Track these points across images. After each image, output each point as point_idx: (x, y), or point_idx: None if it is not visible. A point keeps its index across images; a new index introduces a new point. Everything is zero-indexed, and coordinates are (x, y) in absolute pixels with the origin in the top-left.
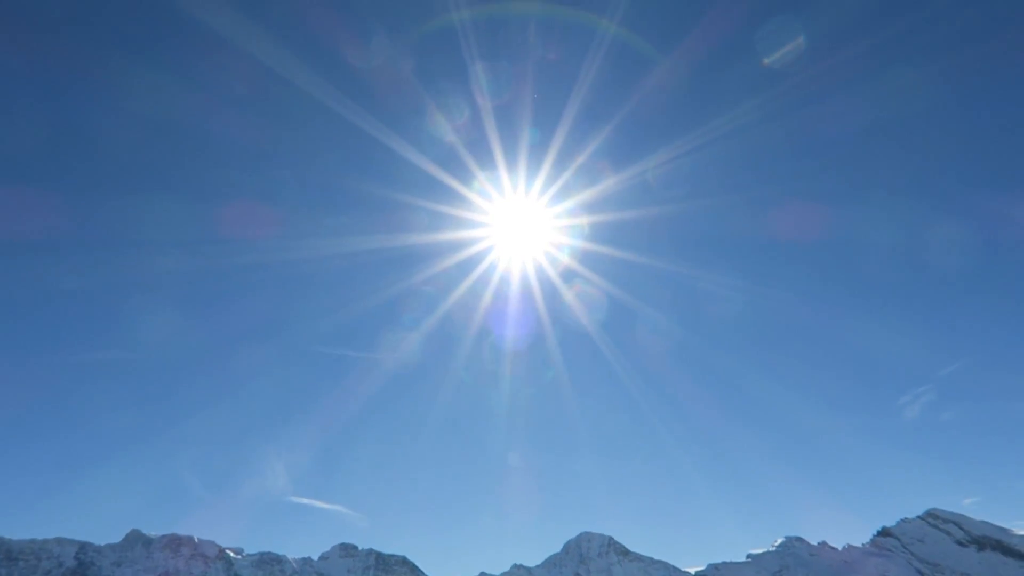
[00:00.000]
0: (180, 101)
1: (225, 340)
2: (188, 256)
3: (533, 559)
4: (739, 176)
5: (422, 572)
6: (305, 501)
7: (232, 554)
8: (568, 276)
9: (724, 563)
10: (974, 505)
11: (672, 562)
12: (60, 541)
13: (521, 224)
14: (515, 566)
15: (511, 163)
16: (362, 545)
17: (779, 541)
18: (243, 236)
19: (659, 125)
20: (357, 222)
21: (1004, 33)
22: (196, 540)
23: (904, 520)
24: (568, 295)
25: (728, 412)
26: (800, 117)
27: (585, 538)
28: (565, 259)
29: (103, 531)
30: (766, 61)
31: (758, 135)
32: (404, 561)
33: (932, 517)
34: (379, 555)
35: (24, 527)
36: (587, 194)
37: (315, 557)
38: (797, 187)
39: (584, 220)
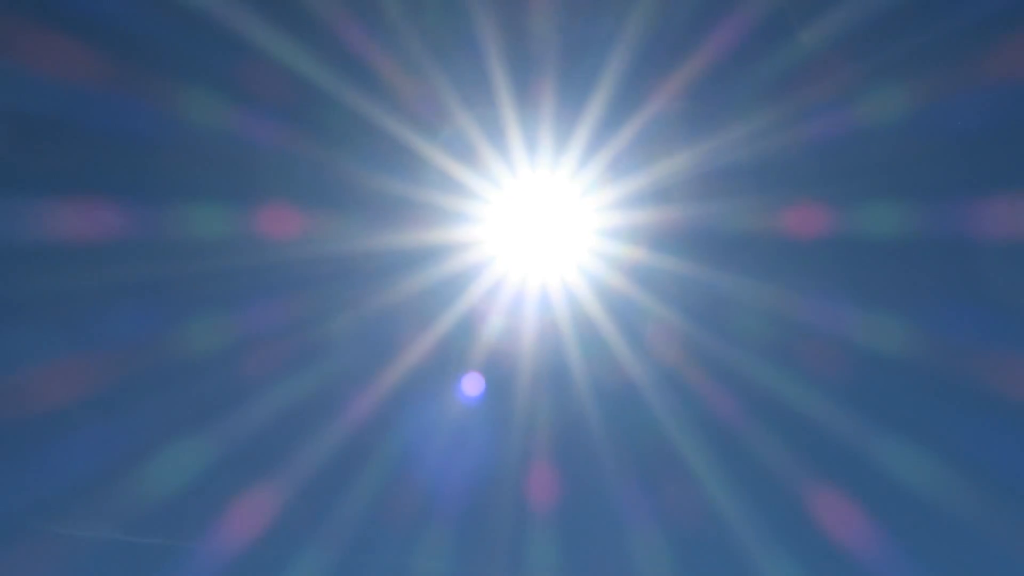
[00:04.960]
0: (209, 107)
1: None
2: None
3: None
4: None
5: None
6: None
7: None
8: (618, 302)
9: None
10: None
11: None
12: None
13: (540, 221)
14: None
15: (527, 132)
16: None
17: None
18: None
19: (697, 112)
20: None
21: (990, 47)
22: None
23: None
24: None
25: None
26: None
27: None
28: (610, 275)
29: None
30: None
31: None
32: None
33: None
34: None
35: None
36: (633, 185)
37: None
38: None
39: (632, 219)
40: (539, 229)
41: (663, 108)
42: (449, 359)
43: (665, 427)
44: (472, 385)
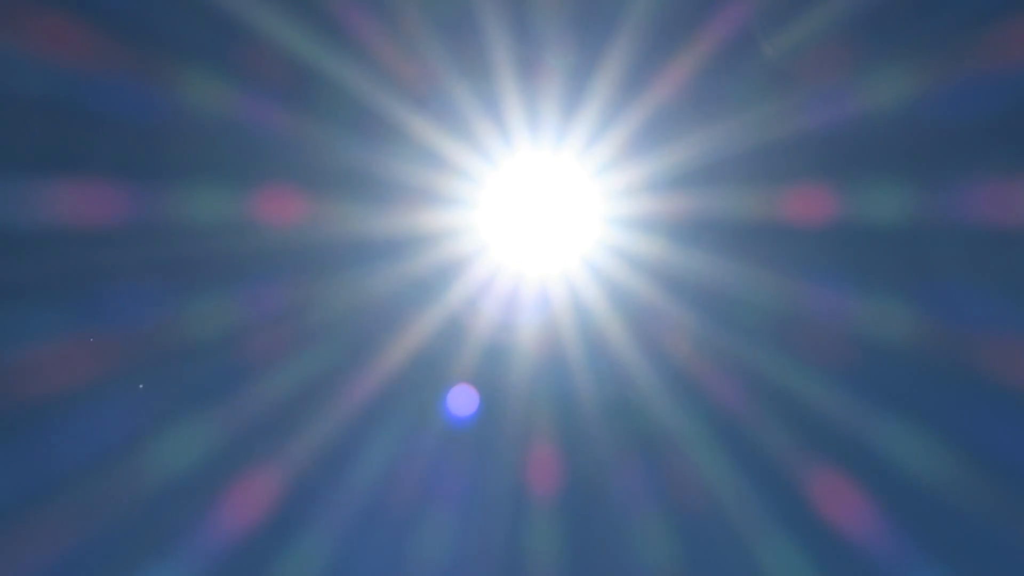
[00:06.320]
0: (218, 94)
1: None
2: None
3: None
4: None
5: None
6: None
7: None
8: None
9: None
10: None
11: None
12: None
13: (541, 206)
14: None
15: (528, 102)
16: None
17: None
18: None
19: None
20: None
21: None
22: None
23: None
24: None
25: None
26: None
27: None
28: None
29: None
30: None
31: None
32: None
33: None
34: None
35: None
36: (649, 167)
37: None
38: None
39: (648, 207)
40: (540, 215)
41: (685, 78)
42: (435, 358)
43: (681, 438)
44: (462, 401)
